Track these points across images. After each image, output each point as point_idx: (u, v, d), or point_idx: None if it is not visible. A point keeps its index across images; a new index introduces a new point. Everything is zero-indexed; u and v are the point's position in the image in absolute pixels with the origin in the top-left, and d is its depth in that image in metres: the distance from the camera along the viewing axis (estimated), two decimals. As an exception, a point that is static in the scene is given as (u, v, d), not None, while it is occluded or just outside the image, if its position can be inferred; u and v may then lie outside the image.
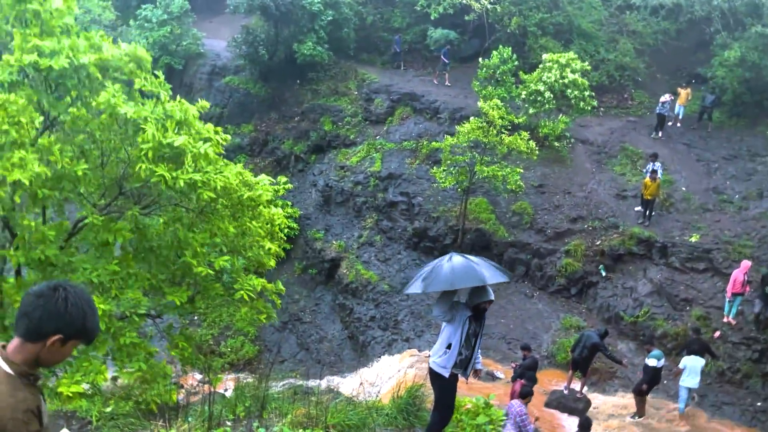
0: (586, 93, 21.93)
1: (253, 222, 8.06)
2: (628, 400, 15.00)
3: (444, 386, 7.21)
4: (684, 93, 23.64)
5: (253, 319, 9.89)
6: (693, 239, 18.33)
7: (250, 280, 8.10)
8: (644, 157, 21.26)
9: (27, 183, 5.99)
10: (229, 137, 8.26)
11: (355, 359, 19.75)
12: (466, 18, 26.71)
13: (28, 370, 2.48)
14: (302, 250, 23.62)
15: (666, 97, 22.80)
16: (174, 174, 6.48)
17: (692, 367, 13.82)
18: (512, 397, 10.12)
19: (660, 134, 23.16)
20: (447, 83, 26.84)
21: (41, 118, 7.23)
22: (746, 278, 15.66)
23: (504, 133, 19.34)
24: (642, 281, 18.22)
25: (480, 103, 20.35)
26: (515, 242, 20.25)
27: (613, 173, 21.93)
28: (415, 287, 6.85)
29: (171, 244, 7.58)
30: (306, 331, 21.59)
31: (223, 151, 7.54)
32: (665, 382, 15.40)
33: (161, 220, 7.89)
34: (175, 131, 6.82)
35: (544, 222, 20.45)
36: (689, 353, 14.13)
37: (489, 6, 25.90)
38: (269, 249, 8.64)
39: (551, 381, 16.15)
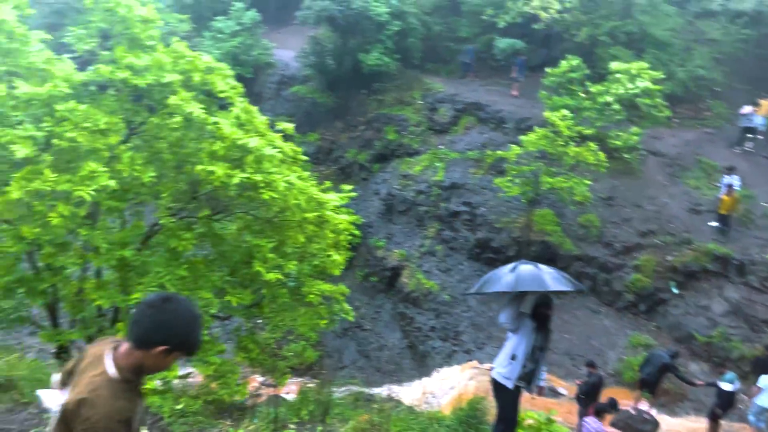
0: (658, 100, 21.21)
1: (320, 228, 8.18)
2: (700, 423, 14.31)
3: (507, 398, 7.11)
4: (766, 104, 22.53)
5: (314, 324, 10.03)
6: (774, 257, 17.40)
7: (317, 284, 8.24)
8: (720, 170, 20.34)
9: (89, 198, 6.26)
10: (301, 150, 8.45)
11: (415, 369, 19.66)
12: (534, 27, 26.34)
13: (131, 376, 2.57)
14: (364, 257, 23.76)
15: (747, 109, 21.80)
16: (231, 172, 6.67)
17: None
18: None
19: (746, 147, 22.16)
20: (514, 93, 26.46)
21: (124, 127, 7.58)
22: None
23: (571, 143, 18.93)
24: (717, 300, 17.40)
25: (546, 113, 19.99)
26: (581, 255, 19.73)
27: (687, 187, 21.08)
28: (478, 288, 6.87)
29: (241, 249, 7.79)
30: (366, 339, 21.67)
31: (302, 166, 7.71)
32: (741, 407, 14.62)
33: (233, 227, 8.14)
34: (246, 134, 7.05)
35: (612, 235, 19.85)
36: (765, 372, 13.48)
37: (558, 15, 25.47)
38: (335, 259, 8.74)
39: (618, 400, 15.57)
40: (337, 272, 9.21)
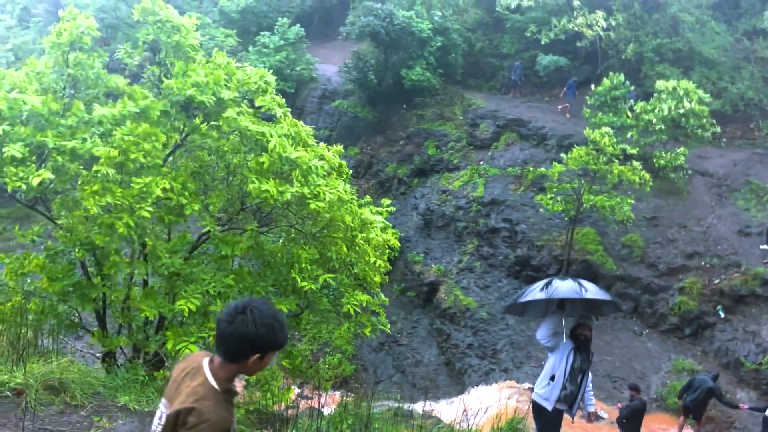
0: (705, 121, 20.76)
1: (362, 238, 8.23)
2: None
3: (545, 420, 6.99)
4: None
5: (352, 337, 10.02)
6: (828, 283, 16.75)
7: (356, 295, 8.26)
8: (771, 192, 19.78)
9: (148, 215, 6.47)
10: (344, 162, 8.55)
11: (451, 386, 19.49)
12: (578, 44, 26.14)
13: (229, 386, 2.68)
14: (401, 272, 23.73)
15: None
16: (281, 188, 6.77)
17: None
18: None
19: None
20: (567, 115, 26.01)
21: (177, 137, 7.80)
22: None
23: (615, 161, 18.65)
24: (767, 326, 16.81)
25: (586, 131, 19.75)
26: (624, 276, 19.34)
27: (736, 208, 20.50)
28: (515, 298, 6.83)
29: (285, 261, 7.89)
30: (402, 354, 21.58)
31: (347, 179, 7.83)
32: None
33: (280, 241, 8.29)
34: (293, 147, 7.17)
35: (656, 256, 19.41)
36: None
37: (602, 32, 25.22)
38: (375, 262, 8.75)
39: (661, 426, 15.18)
40: (377, 279, 9.22)
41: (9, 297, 7.87)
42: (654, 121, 20.69)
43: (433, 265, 22.76)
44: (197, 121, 7.70)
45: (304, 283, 7.15)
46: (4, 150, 6.50)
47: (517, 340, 19.05)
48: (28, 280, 8.04)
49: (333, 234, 7.81)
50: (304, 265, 7.28)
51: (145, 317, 7.42)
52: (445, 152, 25.87)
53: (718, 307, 17.70)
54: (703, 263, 18.77)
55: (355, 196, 8.98)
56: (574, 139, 22.67)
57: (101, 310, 8.11)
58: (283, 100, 8.93)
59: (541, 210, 20.65)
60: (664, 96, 21.09)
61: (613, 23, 25.40)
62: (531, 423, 7.75)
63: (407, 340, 21.89)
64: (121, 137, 6.62)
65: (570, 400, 6.93)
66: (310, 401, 13.65)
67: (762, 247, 18.54)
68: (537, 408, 7.10)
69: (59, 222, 7.71)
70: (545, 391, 6.85)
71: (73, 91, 7.59)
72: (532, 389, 9.03)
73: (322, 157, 8.09)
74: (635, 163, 18.85)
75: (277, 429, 5.89)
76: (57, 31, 7.48)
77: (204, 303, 7.11)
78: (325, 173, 7.70)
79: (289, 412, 9.67)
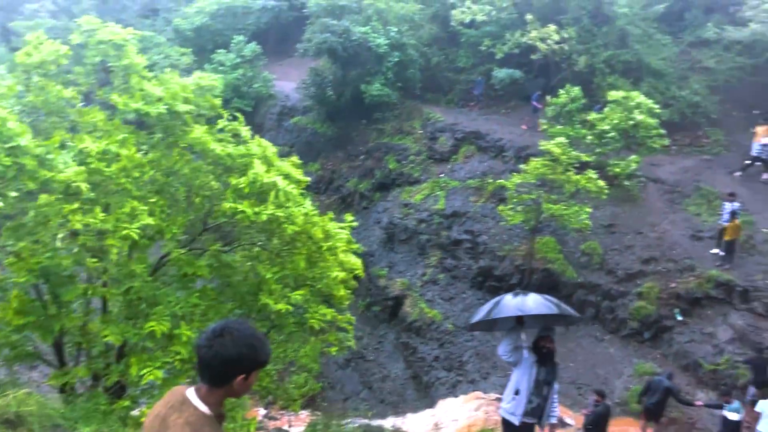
0: (654, 132, 21.41)
1: (327, 255, 8.19)
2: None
3: None
4: (761, 130, 22.69)
5: (318, 354, 9.94)
6: (777, 283, 17.36)
7: (320, 309, 8.20)
8: (720, 197, 20.41)
9: (136, 237, 6.36)
10: (308, 179, 8.52)
11: (418, 399, 19.47)
12: (532, 57, 26.71)
13: (221, 411, 2.65)
14: (366, 287, 23.67)
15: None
16: (257, 210, 6.71)
17: None
18: None
19: (765, 176, 22.09)
20: (524, 127, 26.33)
21: (149, 170, 7.67)
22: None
23: (571, 170, 19.05)
24: (722, 327, 17.31)
25: (542, 142, 20.16)
26: (584, 283, 19.70)
27: (688, 213, 21.14)
28: (480, 316, 6.81)
29: (249, 280, 7.80)
30: (369, 370, 21.48)
31: (302, 190, 7.78)
32: (750, 435, 14.46)
33: (239, 257, 8.13)
34: (266, 170, 7.14)
35: (615, 263, 19.84)
36: (764, 396, 13.46)
37: (555, 46, 25.84)
38: (336, 277, 8.71)
39: (625, 430, 15.42)
40: (343, 293, 9.17)
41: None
42: (607, 130, 21.24)
43: (397, 279, 22.79)
44: (156, 138, 7.58)
45: (280, 306, 7.07)
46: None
47: (482, 351, 19.17)
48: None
49: (297, 250, 7.76)
50: (273, 286, 7.20)
51: (105, 344, 7.20)
52: (405, 166, 26.02)
53: (675, 310, 18.16)
54: (659, 268, 19.25)
55: (317, 212, 8.96)
56: (531, 150, 23.08)
57: (59, 339, 7.85)
58: (243, 118, 8.88)
59: (502, 221, 20.91)
60: (615, 106, 21.69)
61: (566, 36, 26.05)
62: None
63: (374, 356, 21.80)
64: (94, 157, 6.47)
65: (537, 412, 6.97)
66: (277, 421, 13.44)
67: (713, 251, 19.14)
68: (505, 423, 7.13)
69: (8, 248, 7.46)
70: (511, 405, 6.89)
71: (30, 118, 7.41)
72: (499, 399, 9.08)
73: (287, 175, 8.04)
74: (591, 172, 19.30)
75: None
76: (24, 53, 7.31)
77: (171, 325, 6.96)
78: (293, 196, 7.67)
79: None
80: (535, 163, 19.17)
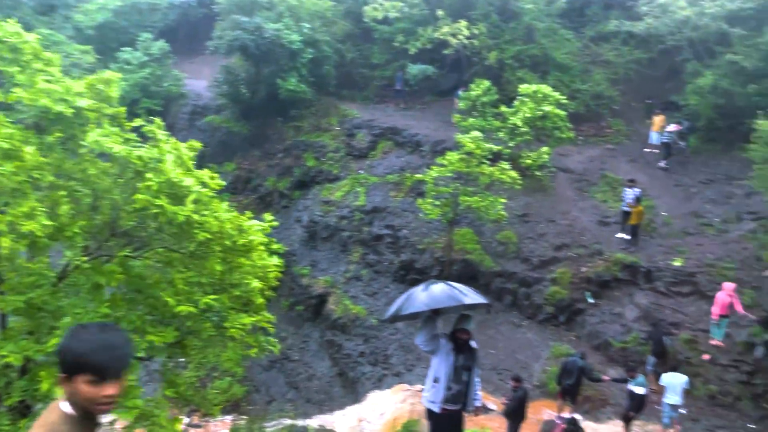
0: (562, 124, 22.35)
1: (242, 259, 8.03)
2: (621, 427, 14.93)
3: (435, 422, 7.10)
4: (657, 120, 24.18)
5: (241, 358, 9.74)
6: (677, 263, 18.54)
7: (240, 318, 8.02)
8: (623, 183, 21.58)
9: (40, 233, 5.95)
10: (224, 183, 8.31)
11: (346, 396, 19.48)
12: (444, 52, 27.21)
13: (89, 408, 2.47)
14: (288, 286, 23.43)
15: (673, 127, 23.01)
16: (174, 209, 6.47)
17: (672, 384, 13.99)
18: None
19: (664, 163, 23.38)
20: (402, 105, 27.98)
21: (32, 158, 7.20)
22: (731, 300, 15.82)
23: (485, 163, 19.58)
24: (629, 307, 18.33)
25: (457, 136, 20.64)
26: (501, 272, 20.31)
27: (595, 200, 22.22)
28: (393, 312, 6.85)
29: (159, 285, 7.51)
30: (294, 370, 21.29)
31: (214, 194, 7.58)
32: (656, 406, 15.39)
33: (148, 262, 7.82)
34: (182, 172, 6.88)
35: (530, 251, 20.57)
36: (670, 370, 14.44)
37: (466, 41, 26.44)
38: (256, 287, 8.57)
39: (544, 411, 16.04)
40: (260, 300, 9.01)
41: None
42: (519, 123, 21.97)
43: (320, 277, 22.69)
44: (51, 138, 7.15)
45: (181, 308, 6.83)
46: None
47: (407, 344, 19.40)
48: None
49: (211, 250, 7.54)
50: (180, 287, 6.95)
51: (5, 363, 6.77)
52: (324, 163, 25.91)
53: (587, 293, 19.06)
54: (570, 254, 20.13)
55: (235, 213, 8.76)
56: (446, 144, 23.55)
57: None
58: (162, 123, 8.55)
59: (421, 215, 21.22)
60: (526, 99, 22.45)
61: (476, 32, 26.70)
62: (426, 424, 7.90)
63: (299, 355, 21.63)
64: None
65: (457, 398, 7.02)
66: (200, 429, 13.10)
67: (618, 235, 20.21)
68: (427, 411, 7.21)
69: None
70: (431, 393, 6.98)
71: None
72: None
73: (204, 184, 7.79)
74: (504, 164, 19.90)
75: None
76: None
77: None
78: (208, 199, 7.44)
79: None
80: (451, 156, 19.57)
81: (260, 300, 9.05)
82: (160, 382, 8.45)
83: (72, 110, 6.95)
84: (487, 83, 23.78)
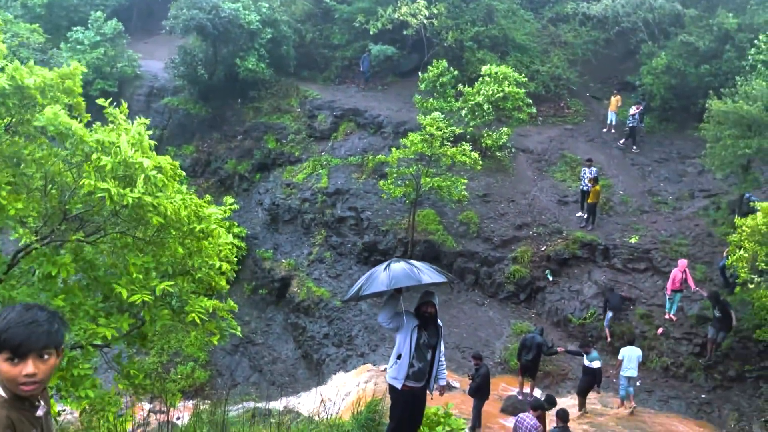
0: (522, 103, 22.56)
1: (204, 242, 7.88)
2: (576, 402, 15.35)
3: (396, 399, 7.14)
4: (614, 100, 24.61)
5: (204, 343, 9.61)
6: (632, 240, 19.03)
7: (200, 301, 7.87)
8: (582, 164, 21.96)
9: None
10: (183, 174, 8.11)
11: (310, 378, 19.53)
12: (405, 33, 27.09)
13: (10, 394, 2.43)
14: (251, 270, 23.26)
15: (634, 110, 23.17)
16: (122, 191, 6.26)
17: (629, 357, 14.48)
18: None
19: (635, 147, 23.58)
20: (362, 87, 28.05)
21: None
22: (684, 276, 16.34)
23: (447, 144, 19.67)
24: (587, 284, 18.77)
25: (419, 117, 20.66)
26: (463, 251, 20.53)
27: (554, 180, 22.57)
28: (354, 293, 6.84)
29: (116, 272, 7.34)
30: (258, 353, 21.22)
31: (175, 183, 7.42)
32: (614, 380, 15.88)
33: (103, 248, 7.62)
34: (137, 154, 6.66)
35: (491, 230, 20.82)
36: (627, 344, 14.93)
37: (426, 21, 26.35)
38: (220, 267, 8.44)
39: (506, 387, 16.38)
40: (223, 283, 8.88)
41: None
42: (480, 102, 22.08)
43: (283, 260, 22.56)
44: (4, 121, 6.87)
45: (135, 297, 6.67)
46: None
47: (370, 324, 19.50)
48: None
49: (170, 237, 7.37)
50: (135, 276, 6.77)
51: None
52: (285, 145, 25.64)
53: (547, 271, 19.43)
54: (531, 233, 20.46)
55: (194, 196, 8.59)
56: (408, 125, 23.54)
57: None
58: (126, 108, 8.28)
59: (383, 196, 21.24)
60: (487, 80, 22.55)
61: (435, 12, 26.63)
62: (389, 403, 7.97)
63: (263, 339, 21.56)
64: None
65: (420, 376, 7.05)
66: (162, 416, 12.94)
67: (578, 214, 20.61)
68: (390, 388, 7.24)
69: None
70: (393, 370, 7.00)
71: None
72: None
73: (160, 169, 7.57)
74: (465, 145, 20.02)
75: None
76: None
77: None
78: (163, 184, 7.23)
79: (139, 431, 9.11)
80: (413, 137, 19.59)
81: (223, 282, 8.92)
82: (116, 373, 8.28)
83: (10, 84, 6.65)
84: (444, 63, 23.76)
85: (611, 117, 24.78)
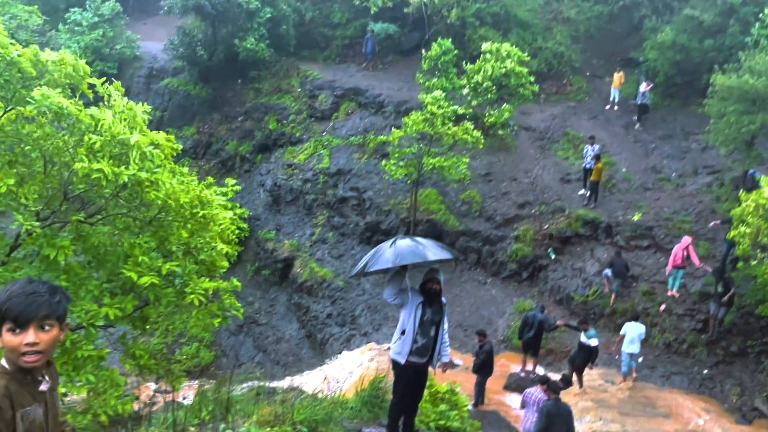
0: (525, 80, 22.39)
1: (204, 224, 7.88)
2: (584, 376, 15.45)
3: (399, 374, 7.18)
4: (617, 77, 24.38)
5: (207, 324, 9.66)
6: (635, 218, 18.99)
7: (202, 282, 7.88)
8: (585, 141, 21.83)
9: None
10: (180, 146, 8.06)
11: (315, 357, 19.67)
12: (406, 11, 26.81)
13: (19, 363, 2.46)
14: (254, 251, 23.31)
15: (645, 86, 22.78)
16: (117, 170, 6.23)
17: (631, 332, 14.55)
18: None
19: (638, 125, 23.24)
20: (363, 66, 27.60)
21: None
22: (686, 253, 16.32)
23: (448, 123, 19.56)
24: (590, 261, 18.77)
25: (421, 96, 20.52)
26: (466, 231, 20.52)
27: (557, 158, 22.47)
28: (359, 269, 6.85)
29: (117, 252, 7.34)
30: (262, 333, 21.35)
31: (172, 161, 7.39)
32: (616, 356, 15.96)
33: (106, 229, 7.61)
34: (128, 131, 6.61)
35: (493, 209, 20.79)
36: (631, 320, 14.99)
37: (427, -1, 26.08)
38: (222, 249, 8.45)
39: (509, 364, 16.47)
40: (225, 264, 8.89)
41: None
42: (482, 81, 21.91)
43: (285, 241, 22.59)
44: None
45: (144, 279, 6.68)
46: None
47: (374, 304, 19.58)
48: None
49: (171, 218, 7.36)
50: (141, 258, 6.77)
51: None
52: (286, 126, 25.54)
53: (549, 249, 19.43)
54: (533, 211, 20.43)
55: (195, 179, 8.56)
56: (410, 104, 23.41)
57: None
58: (122, 88, 8.22)
59: (385, 176, 21.19)
60: (489, 57, 22.36)
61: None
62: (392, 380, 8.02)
63: (266, 319, 21.67)
64: None
65: (423, 352, 7.08)
66: (169, 395, 13.05)
67: (580, 192, 20.55)
68: (393, 363, 7.28)
69: None
70: (397, 345, 7.03)
71: None
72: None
73: (156, 145, 7.53)
74: (467, 124, 19.91)
75: (130, 429, 5.57)
76: None
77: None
78: (160, 161, 7.20)
79: (145, 410, 9.18)
80: (415, 116, 19.48)
81: (224, 262, 8.93)
82: (121, 354, 8.33)
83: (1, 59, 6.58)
84: (448, 42, 23.56)
85: (614, 94, 24.58)
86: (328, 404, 7.28)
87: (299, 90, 26.48)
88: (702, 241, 17.75)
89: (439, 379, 9.91)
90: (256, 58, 26.37)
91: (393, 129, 20.56)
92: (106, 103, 7.72)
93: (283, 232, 23.08)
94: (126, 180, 6.29)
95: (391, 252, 6.47)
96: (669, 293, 16.96)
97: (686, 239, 16.49)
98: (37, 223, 6.73)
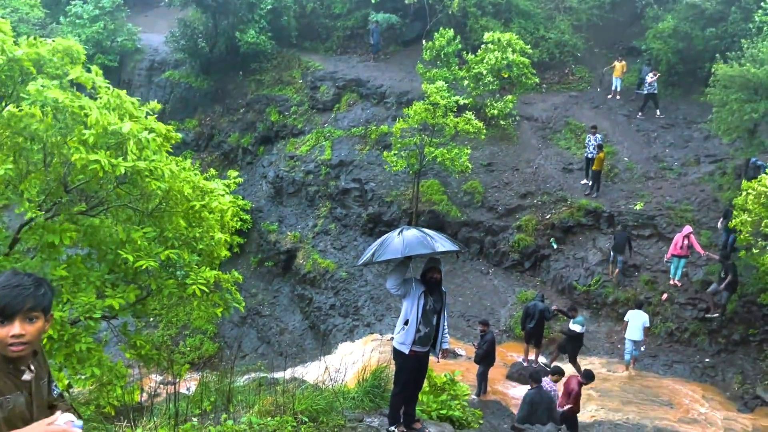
0: (527, 70, 22.31)
1: (205, 213, 7.92)
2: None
3: (402, 364, 7.25)
4: (619, 66, 24.25)
5: (211, 316, 9.73)
6: (637, 207, 18.97)
7: (203, 272, 7.92)
8: (587, 131, 21.77)
9: None
10: (180, 136, 8.08)
11: (317, 348, 19.75)
12: (407, 1, 26.71)
13: (7, 352, 2.50)
14: (256, 243, 23.39)
15: (651, 76, 22.53)
16: (114, 161, 6.25)
17: (634, 321, 14.58)
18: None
19: (640, 114, 23.09)
20: (365, 57, 27.52)
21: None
22: (687, 241, 16.30)
23: (450, 114, 19.54)
24: (592, 251, 18.77)
25: (423, 86, 20.48)
26: (468, 221, 20.54)
27: (559, 148, 22.43)
28: (367, 258, 6.90)
29: (116, 241, 7.38)
30: (266, 325, 21.45)
31: (171, 150, 7.40)
32: (619, 346, 16.00)
33: (108, 221, 7.66)
34: (120, 120, 6.62)
35: (495, 200, 20.79)
36: (635, 308, 15.02)
37: (428, -12, 25.96)
38: (220, 238, 8.48)
39: (511, 353, 16.54)
40: (224, 252, 8.93)
41: None
42: (484, 72, 21.85)
43: (288, 233, 22.65)
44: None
45: (140, 262, 6.72)
46: None
47: (376, 295, 19.64)
48: None
49: (171, 208, 7.40)
50: (140, 243, 6.82)
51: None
52: (288, 117, 25.54)
53: (551, 239, 19.44)
54: (535, 201, 20.42)
55: (197, 171, 8.59)
56: (411, 95, 23.38)
57: None
58: (100, 71, 8.21)
59: (387, 167, 21.19)
60: (491, 47, 22.28)
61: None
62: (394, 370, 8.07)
63: (270, 311, 21.76)
64: None
65: (426, 341, 7.17)
66: (172, 386, 13.14)
67: (583, 181, 20.52)
68: (396, 353, 7.35)
69: None
70: (401, 335, 7.10)
71: None
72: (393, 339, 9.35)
73: (152, 130, 7.56)
74: (469, 114, 19.88)
75: (132, 419, 5.63)
76: None
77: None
78: (157, 148, 7.22)
79: (147, 401, 9.26)
80: (417, 107, 19.45)
81: (224, 252, 8.97)
82: (123, 344, 8.41)
83: (3, 57, 6.61)
84: (450, 33, 23.48)
85: (616, 83, 24.47)
86: (329, 394, 7.34)
87: (301, 81, 26.46)
88: (704, 230, 17.73)
89: (440, 368, 9.97)
90: (257, 50, 26.34)
91: (395, 120, 20.53)
92: (92, 91, 7.72)
93: (286, 224, 23.13)
94: (124, 171, 6.31)
95: (400, 241, 6.51)
96: (671, 282, 16.97)
97: (687, 228, 16.48)
98: (41, 213, 6.78)
